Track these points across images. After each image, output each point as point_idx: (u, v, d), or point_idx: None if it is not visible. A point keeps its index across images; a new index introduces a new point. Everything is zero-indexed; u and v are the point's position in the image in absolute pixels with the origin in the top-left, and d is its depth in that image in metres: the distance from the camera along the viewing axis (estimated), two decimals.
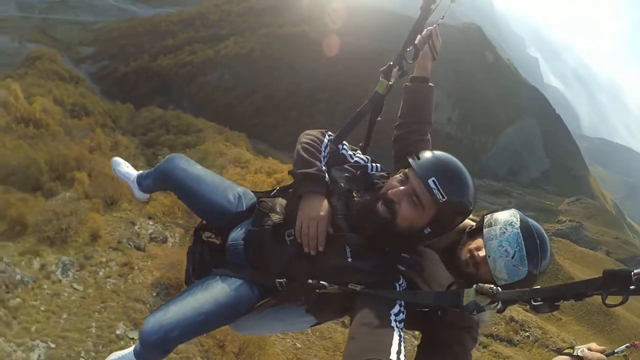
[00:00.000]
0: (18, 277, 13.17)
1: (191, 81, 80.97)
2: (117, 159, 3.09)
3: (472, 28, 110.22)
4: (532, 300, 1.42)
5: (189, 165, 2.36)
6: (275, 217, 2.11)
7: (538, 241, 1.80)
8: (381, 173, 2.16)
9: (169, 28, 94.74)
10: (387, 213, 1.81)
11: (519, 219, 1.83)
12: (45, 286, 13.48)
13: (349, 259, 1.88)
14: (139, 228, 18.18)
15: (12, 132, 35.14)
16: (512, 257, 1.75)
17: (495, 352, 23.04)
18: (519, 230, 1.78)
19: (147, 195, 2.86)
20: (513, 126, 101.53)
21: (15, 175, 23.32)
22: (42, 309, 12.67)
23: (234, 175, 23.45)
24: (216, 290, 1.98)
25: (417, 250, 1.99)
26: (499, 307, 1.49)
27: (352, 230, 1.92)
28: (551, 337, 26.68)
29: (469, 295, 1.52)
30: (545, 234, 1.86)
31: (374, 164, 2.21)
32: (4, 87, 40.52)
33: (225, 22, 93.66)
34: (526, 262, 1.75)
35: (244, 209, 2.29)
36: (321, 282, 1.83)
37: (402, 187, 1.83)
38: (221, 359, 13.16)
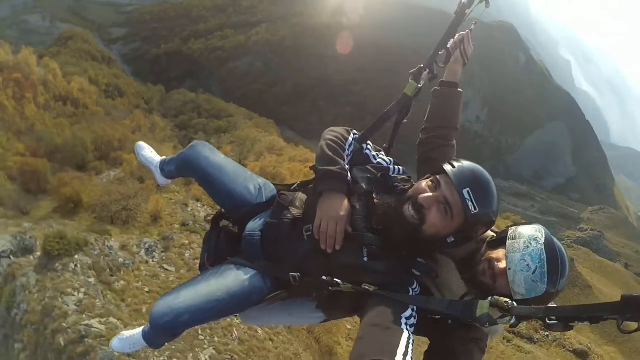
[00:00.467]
0: (120, 260, 13.40)
1: (221, 66, 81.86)
2: (142, 143, 3.07)
3: (507, 27, 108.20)
4: (546, 319, 1.41)
5: (212, 154, 2.37)
6: (295, 212, 2.12)
7: (560, 260, 1.79)
8: (402, 176, 2.15)
9: (201, 13, 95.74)
10: (416, 218, 1.81)
11: (544, 236, 1.82)
12: (143, 268, 13.78)
13: (365, 259, 1.88)
14: (191, 210, 18.67)
15: (51, 109, 36.49)
16: (533, 273, 1.74)
17: (518, 347, 24.12)
18: (542, 247, 1.77)
19: (169, 181, 2.86)
20: (541, 130, 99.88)
21: (60, 153, 24.35)
22: (146, 290, 12.92)
23: (271, 162, 23.97)
24: (230, 279, 2.01)
25: (433, 257, 1.99)
26: (512, 322, 1.49)
27: (370, 231, 1.93)
28: (568, 339, 27.34)
29: (482, 307, 1.53)
30: (566, 253, 1.85)
31: (396, 167, 2.21)
32: (42, 66, 40.81)
33: (257, 9, 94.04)
34: (546, 279, 1.74)
35: (264, 200, 2.31)
36: (335, 279, 1.85)
37: (433, 194, 1.82)
38: (298, 334, 13.81)
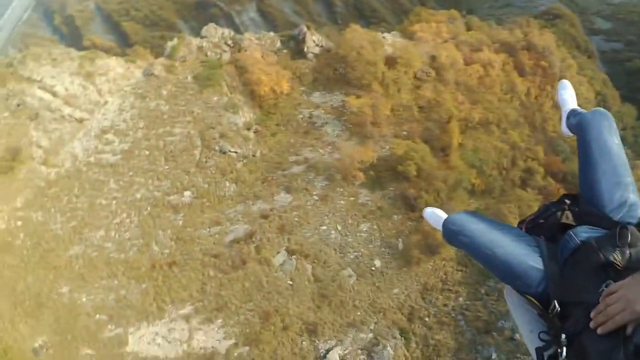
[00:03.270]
0: None
1: None
2: (566, 81, 2.82)
3: None
4: None
5: (608, 129, 2.15)
6: (619, 257, 1.64)
7: None
8: None
9: None
10: None
11: None
12: None
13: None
14: None
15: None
16: None
17: None
18: None
19: (570, 134, 2.53)
20: None
21: None
22: None
23: None
24: (517, 250, 1.92)
25: None
26: None
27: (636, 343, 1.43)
28: None
29: None
30: None
31: None
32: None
33: None
34: None
35: (617, 218, 1.92)
36: (565, 347, 1.61)
37: None
38: None
